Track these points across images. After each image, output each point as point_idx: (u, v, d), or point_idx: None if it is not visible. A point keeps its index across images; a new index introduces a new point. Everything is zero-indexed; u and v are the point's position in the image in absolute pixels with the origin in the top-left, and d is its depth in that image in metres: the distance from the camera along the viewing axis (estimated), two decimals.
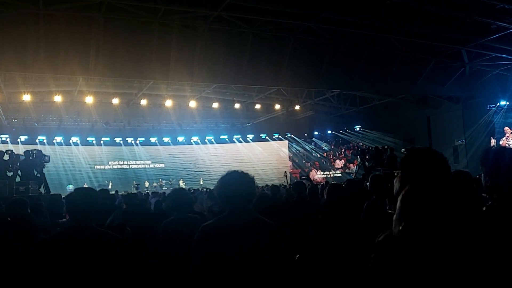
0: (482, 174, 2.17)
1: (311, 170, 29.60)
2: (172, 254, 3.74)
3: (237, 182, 2.54)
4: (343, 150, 28.58)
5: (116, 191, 17.97)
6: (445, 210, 1.59)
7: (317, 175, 28.98)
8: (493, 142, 20.19)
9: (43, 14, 12.57)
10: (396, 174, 1.91)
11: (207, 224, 2.52)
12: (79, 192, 2.89)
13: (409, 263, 1.55)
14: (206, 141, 29.85)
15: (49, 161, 13.90)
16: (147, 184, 26.92)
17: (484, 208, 2.10)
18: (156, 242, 3.97)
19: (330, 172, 28.79)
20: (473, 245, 1.61)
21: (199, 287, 2.45)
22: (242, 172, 2.64)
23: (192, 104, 23.34)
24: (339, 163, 28.68)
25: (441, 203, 1.60)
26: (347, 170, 27.78)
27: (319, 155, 29.59)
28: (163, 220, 4.11)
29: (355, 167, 26.54)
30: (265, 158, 29.84)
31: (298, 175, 28.65)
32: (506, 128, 20.29)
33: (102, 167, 27.74)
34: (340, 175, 27.38)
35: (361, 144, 26.64)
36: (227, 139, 30.12)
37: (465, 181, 3.35)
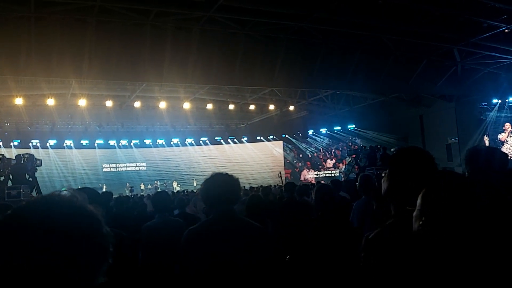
0: (467, 173, 2.19)
1: (302, 170, 29.72)
2: (154, 257, 3.74)
3: (220, 185, 2.52)
4: (333, 150, 28.75)
5: None
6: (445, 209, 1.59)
7: (308, 175, 29.12)
8: (486, 140, 20.32)
9: (35, 17, 12.52)
10: (383, 174, 1.93)
11: (193, 228, 2.52)
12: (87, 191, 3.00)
13: (416, 260, 1.55)
14: (201, 142, 29.80)
15: (41, 165, 13.85)
16: (142, 186, 26.86)
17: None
18: (138, 245, 3.97)
19: (322, 172, 28.94)
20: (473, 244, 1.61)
21: None
22: (226, 174, 2.62)
23: (186, 105, 23.30)
24: (330, 163, 28.85)
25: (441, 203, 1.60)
26: (337, 169, 27.98)
27: (310, 155, 29.73)
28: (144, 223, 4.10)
29: (345, 166, 26.86)
30: (260, 159, 29.86)
31: (289, 175, 28.81)
32: (507, 124, 20.33)
33: (96, 170, 27.64)
34: (337, 173, 27.48)
35: (350, 144, 26.90)
36: (221, 141, 30.08)
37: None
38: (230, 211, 2.52)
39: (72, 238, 0.89)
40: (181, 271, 2.51)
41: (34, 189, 12.63)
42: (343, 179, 20.05)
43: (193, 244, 2.41)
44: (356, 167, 19.03)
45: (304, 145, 29.88)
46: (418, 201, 1.65)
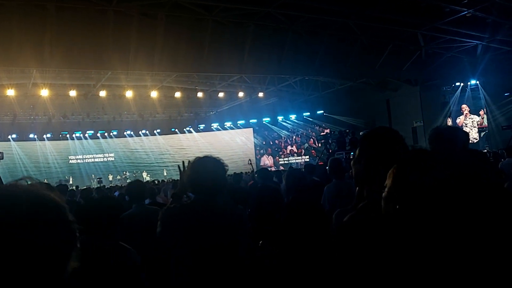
0: None
1: (262, 156, 29.97)
2: (135, 248, 3.65)
3: (208, 169, 2.43)
4: (294, 136, 29.04)
5: (77, 186, 17.53)
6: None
7: (267, 161, 29.41)
8: (450, 123, 20.92)
9: None
10: (351, 156, 1.91)
11: (172, 207, 2.45)
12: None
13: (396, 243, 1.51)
14: (170, 131, 29.39)
15: (2, 158, 13.37)
16: (111, 177, 26.32)
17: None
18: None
19: (281, 159, 29.30)
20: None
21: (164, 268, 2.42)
22: (215, 159, 2.51)
23: (154, 94, 22.89)
24: (290, 149, 29.23)
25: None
26: (296, 155, 28.40)
27: (271, 142, 29.99)
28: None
29: (303, 151, 27.49)
30: (230, 146, 29.76)
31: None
32: (464, 106, 20.91)
33: (62, 162, 26.83)
34: (308, 159, 27.80)
35: (310, 131, 27.26)
36: (191, 129, 29.78)
37: None
38: (212, 196, 2.46)
39: (38, 226, 0.87)
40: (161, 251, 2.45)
41: None
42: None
43: (170, 222, 2.35)
44: (313, 151, 19.17)
45: (270, 131, 30.04)
46: (387, 181, 1.62)
